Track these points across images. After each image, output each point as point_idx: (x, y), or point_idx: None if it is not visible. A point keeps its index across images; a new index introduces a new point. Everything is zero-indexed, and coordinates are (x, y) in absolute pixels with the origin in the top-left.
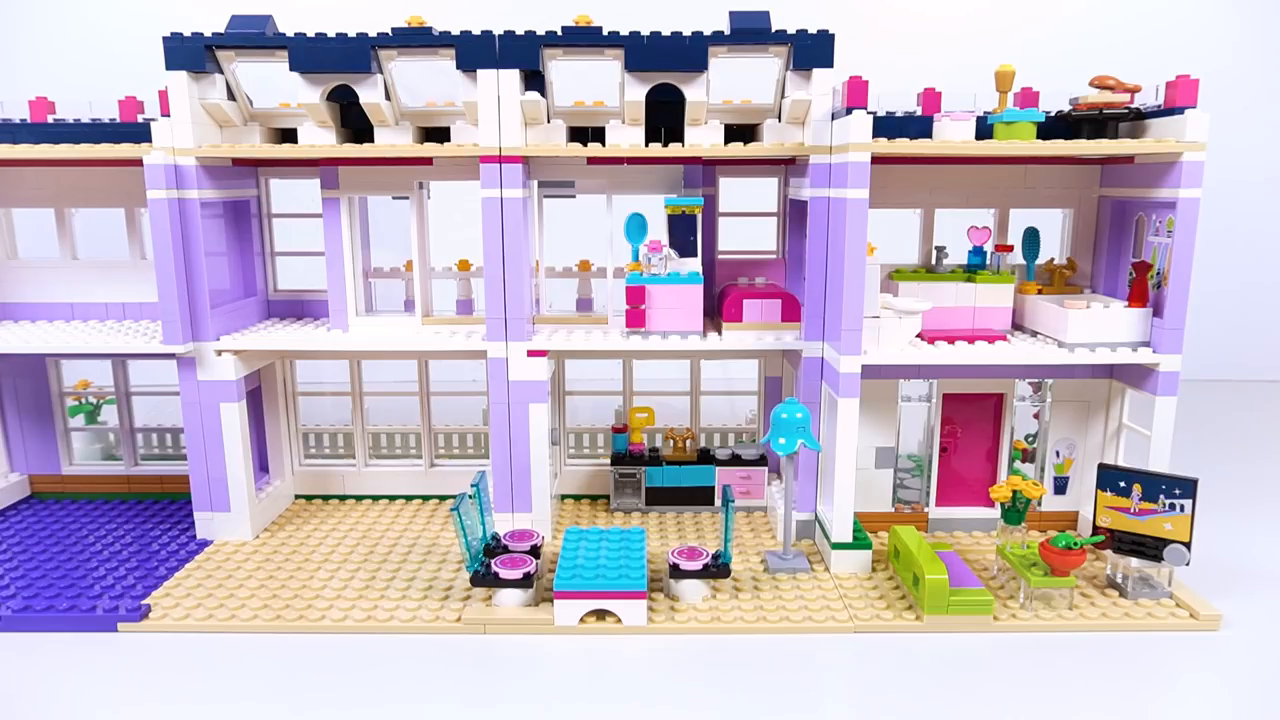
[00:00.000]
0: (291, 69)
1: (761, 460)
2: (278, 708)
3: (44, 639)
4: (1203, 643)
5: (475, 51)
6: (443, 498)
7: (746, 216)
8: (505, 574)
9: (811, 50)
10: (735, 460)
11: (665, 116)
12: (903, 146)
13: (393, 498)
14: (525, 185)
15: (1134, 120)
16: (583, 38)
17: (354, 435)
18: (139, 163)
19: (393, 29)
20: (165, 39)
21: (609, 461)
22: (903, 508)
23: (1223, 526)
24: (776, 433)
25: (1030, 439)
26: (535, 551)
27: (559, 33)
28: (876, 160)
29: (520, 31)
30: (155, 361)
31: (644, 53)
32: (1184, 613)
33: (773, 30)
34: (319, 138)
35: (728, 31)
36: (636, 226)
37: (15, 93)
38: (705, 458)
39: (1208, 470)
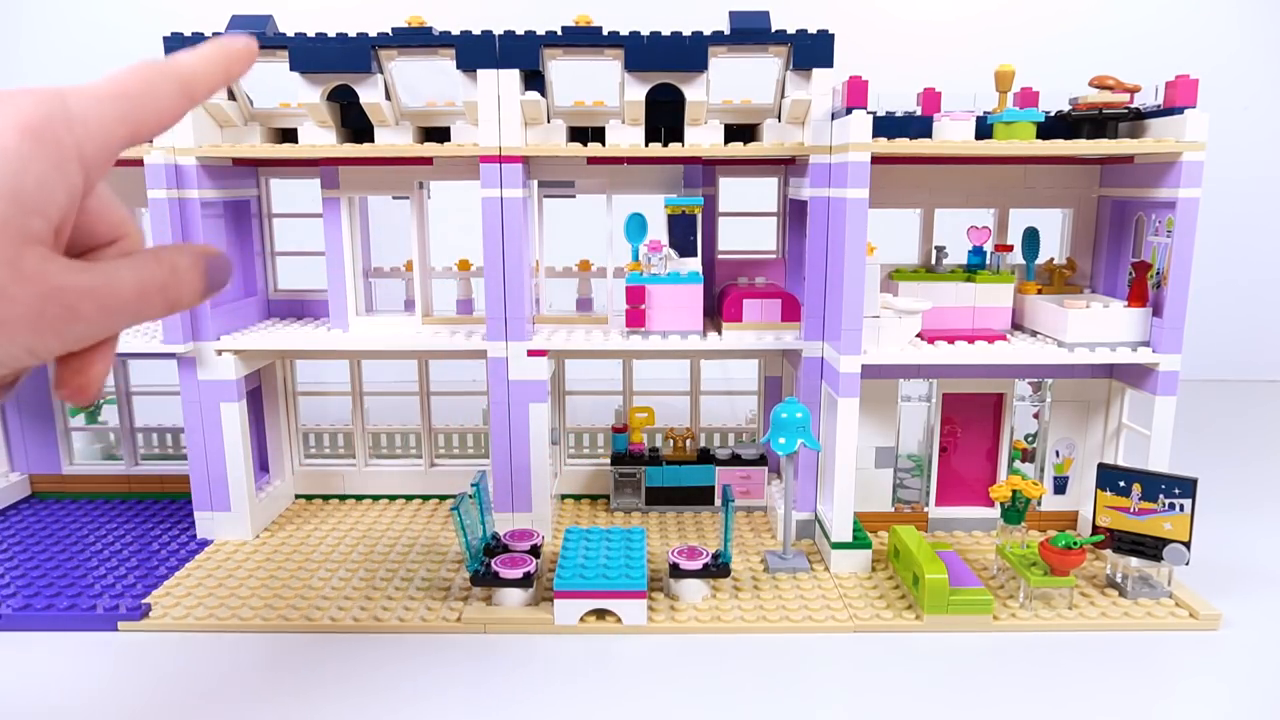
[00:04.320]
0: (292, 69)
1: (761, 460)
2: (278, 708)
3: (44, 638)
4: (1202, 642)
5: (475, 51)
6: (443, 497)
7: (746, 216)
8: (505, 573)
9: (811, 50)
10: (735, 460)
11: (665, 116)
12: (903, 146)
13: (393, 497)
14: (525, 185)
15: (1134, 120)
16: (583, 38)
17: (354, 435)
18: (139, 162)
19: (393, 29)
20: (165, 39)
21: (609, 461)
22: (903, 507)
23: (1223, 526)
24: (776, 432)
25: (1030, 439)
26: (535, 551)
27: (559, 33)
28: (876, 160)
29: (520, 31)
30: (155, 361)
31: (644, 53)
32: (1184, 612)
33: (773, 30)
34: (319, 138)
35: (728, 31)
36: (636, 226)
37: None
38: (705, 457)
39: (1208, 470)
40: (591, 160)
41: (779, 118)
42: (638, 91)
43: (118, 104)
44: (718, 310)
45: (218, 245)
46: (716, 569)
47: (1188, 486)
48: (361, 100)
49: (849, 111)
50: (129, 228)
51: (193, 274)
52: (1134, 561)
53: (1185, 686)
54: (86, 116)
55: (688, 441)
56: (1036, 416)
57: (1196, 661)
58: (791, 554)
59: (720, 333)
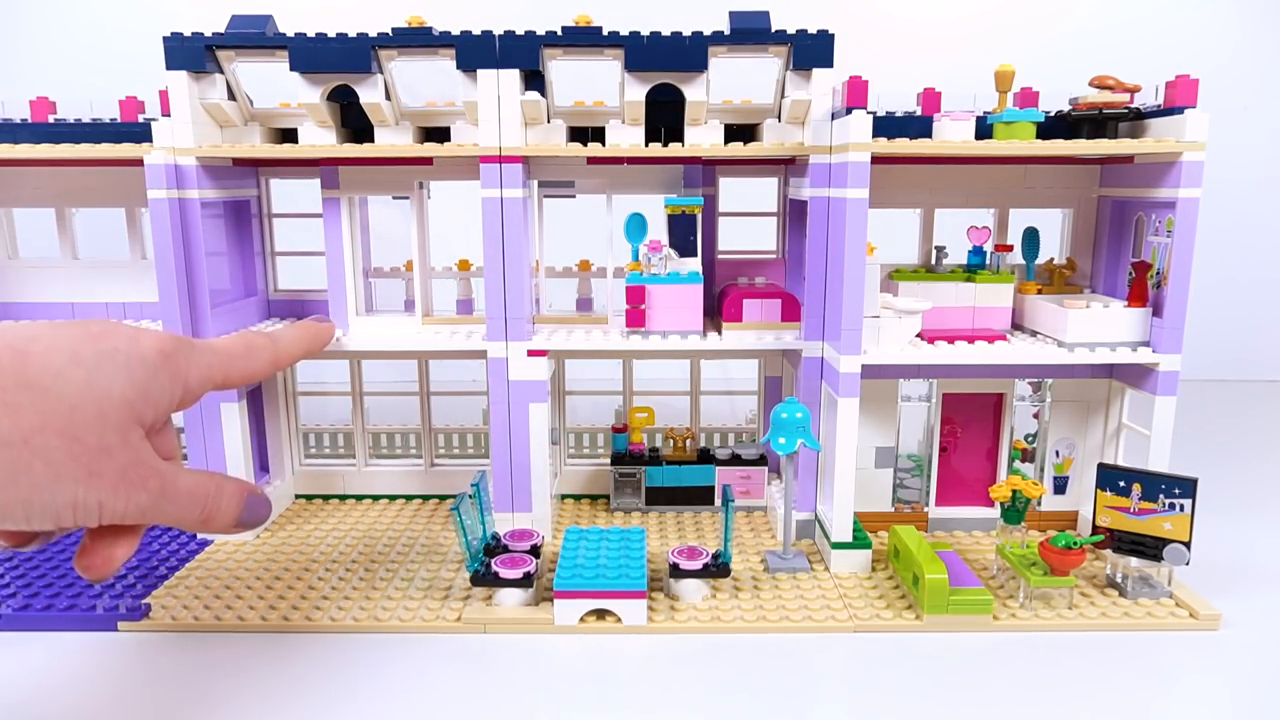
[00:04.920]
0: (292, 69)
1: (761, 460)
2: (278, 708)
3: (44, 638)
4: (1203, 642)
5: (475, 51)
6: (443, 498)
7: (746, 216)
8: (505, 573)
9: (811, 50)
10: (735, 460)
11: (665, 116)
12: (903, 146)
13: (393, 497)
14: (525, 185)
15: (1134, 120)
16: (583, 38)
17: (354, 435)
18: (139, 163)
19: (393, 29)
20: (165, 39)
21: (609, 461)
22: (903, 507)
23: (1223, 526)
24: (776, 432)
25: (1030, 439)
26: (535, 551)
27: (559, 33)
28: (876, 160)
29: (520, 31)
30: None
31: (644, 53)
32: (1184, 612)
33: (773, 30)
34: (319, 138)
35: (728, 31)
36: (636, 226)
37: (16, 93)
38: (705, 458)
39: (1208, 470)
40: (591, 160)
41: (779, 118)
42: (638, 91)
43: (223, 358)
44: (718, 310)
45: (218, 245)
46: (716, 569)
47: (1188, 486)
48: (361, 100)
49: (849, 111)
50: (176, 453)
51: (233, 499)
52: (1134, 561)
53: (1185, 686)
54: (200, 360)
55: (688, 441)
56: (1036, 416)
57: (1196, 661)
58: (791, 554)
59: (720, 333)
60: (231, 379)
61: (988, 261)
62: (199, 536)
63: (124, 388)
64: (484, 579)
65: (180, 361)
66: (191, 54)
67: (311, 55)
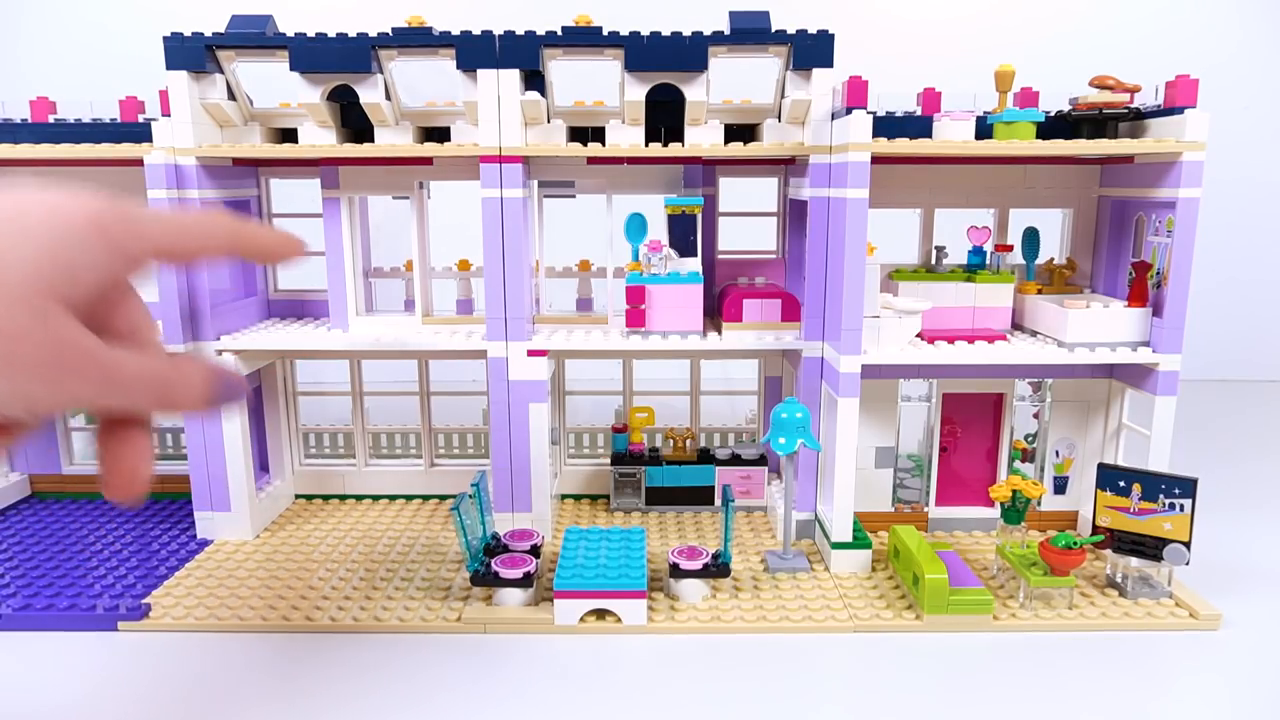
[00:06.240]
0: (292, 69)
1: (761, 460)
2: (278, 708)
3: (44, 638)
4: (1203, 642)
5: (475, 51)
6: (443, 498)
7: (746, 216)
8: (505, 573)
9: (811, 50)
10: (735, 460)
11: (665, 116)
12: (903, 146)
13: (393, 497)
14: (525, 185)
15: (1134, 120)
16: (583, 38)
17: (354, 435)
18: (139, 163)
19: (393, 29)
20: (165, 39)
21: (609, 461)
22: (903, 507)
23: (1223, 526)
24: (776, 432)
25: (1030, 439)
26: (535, 551)
27: (559, 33)
28: (876, 160)
29: (520, 31)
30: None
31: (644, 53)
32: (1184, 612)
33: (773, 30)
34: (319, 138)
35: (728, 31)
36: (636, 226)
37: (16, 93)
38: (705, 458)
39: (1208, 470)
40: (591, 160)
41: (779, 118)
42: (638, 91)
43: (172, 227)
44: (718, 310)
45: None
46: (716, 569)
47: (1188, 486)
48: (361, 100)
49: (849, 111)
50: (145, 334)
51: (197, 381)
52: (1134, 561)
53: (1185, 686)
54: (144, 230)
55: (688, 441)
56: (1036, 416)
57: (1196, 661)
58: (791, 554)
59: (720, 333)
60: (183, 248)
61: (988, 261)
62: (199, 536)
63: (31, 262)
64: (484, 579)
65: (116, 233)
66: (191, 54)
67: (311, 55)
